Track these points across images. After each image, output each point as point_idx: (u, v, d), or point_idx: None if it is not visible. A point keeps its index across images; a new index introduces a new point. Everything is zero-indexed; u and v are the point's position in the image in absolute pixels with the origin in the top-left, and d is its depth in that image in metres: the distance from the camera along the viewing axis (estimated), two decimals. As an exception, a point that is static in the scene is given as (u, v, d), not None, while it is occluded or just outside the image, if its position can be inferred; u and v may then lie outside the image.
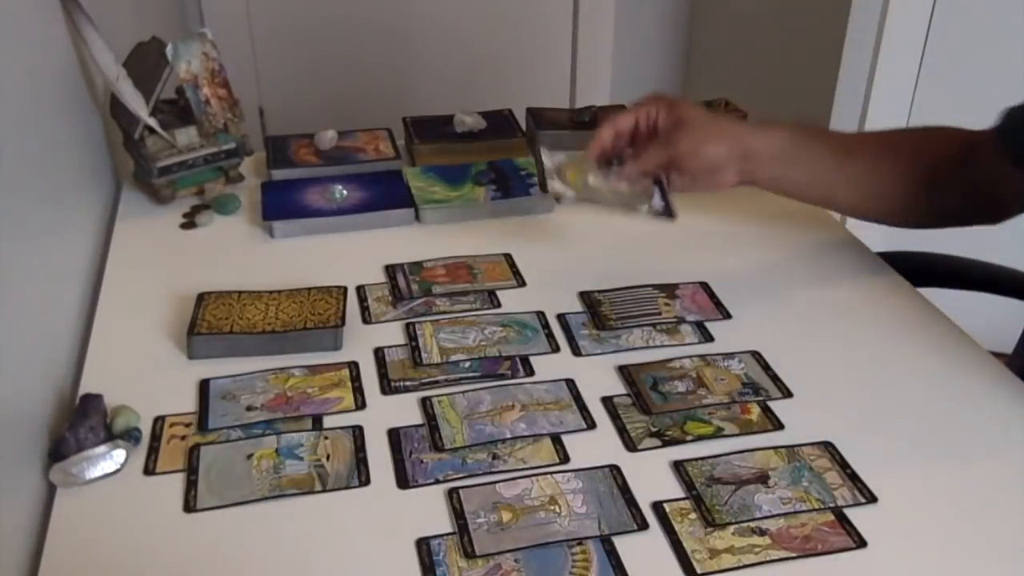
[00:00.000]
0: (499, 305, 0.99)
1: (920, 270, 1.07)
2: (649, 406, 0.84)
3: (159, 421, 0.81)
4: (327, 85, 2.47)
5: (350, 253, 1.08)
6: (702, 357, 0.91)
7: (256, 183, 1.20)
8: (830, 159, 1.00)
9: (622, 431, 0.81)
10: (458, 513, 0.72)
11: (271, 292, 0.96)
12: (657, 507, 0.73)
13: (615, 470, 0.77)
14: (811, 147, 1.00)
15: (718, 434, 0.81)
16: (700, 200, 1.20)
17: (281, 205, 1.14)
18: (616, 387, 0.87)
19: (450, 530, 0.71)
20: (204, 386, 0.86)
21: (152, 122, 1.13)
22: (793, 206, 1.20)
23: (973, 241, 1.21)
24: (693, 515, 0.73)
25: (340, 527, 0.72)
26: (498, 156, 1.26)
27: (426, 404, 0.84)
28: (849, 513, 0.73)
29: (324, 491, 0.75)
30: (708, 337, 0.94)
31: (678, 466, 0.77)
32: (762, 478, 0.76)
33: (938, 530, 0.72)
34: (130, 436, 0.78)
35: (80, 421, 0.77)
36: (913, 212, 1.03)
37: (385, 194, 1.17)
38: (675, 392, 0.86)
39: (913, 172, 1.00)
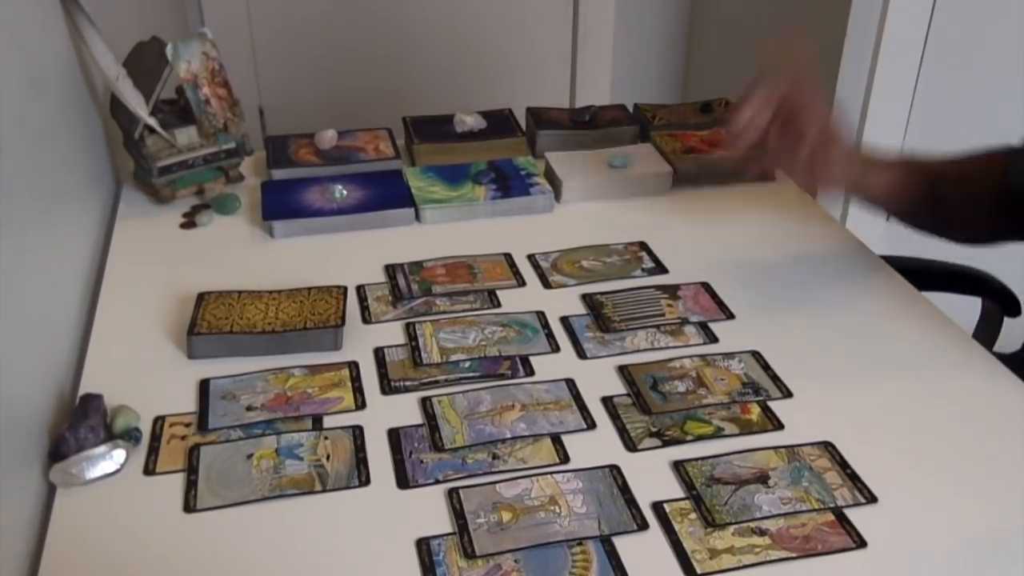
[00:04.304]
0: (499, 305, 0.99)
1: (917, 275, 1.07)
2: (649, 406, 0.84)
3: (159, 421, 0.81)
4: (327, 85, 2.47)
5: (350, 253, 1.08)
6: (702, 357, 0.91)
7: (256, 183, 1.20)
8: (923, 198, 1.01)
9: (622, 431, 0.81)
10: (458, 513, 0.72)
11: (271, 292, 0.96)
12: (657, 507, 0.73)
13: (615, 470, 0.77)
14: (910, 191, 1.00)
15: (718, 434, 0.81)
16: (700, 200, 1.20)
17: (281, 205, 1.13)
18: (616, 387, 0.87)
19: (450, 530, 0.71)
20: (204, 386, 0.86)
21: (152, 122, 1.13)
22: (794, 206, 1.21)
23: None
24: (693, 515, 0.73)
25: (340, 527, 0.72)
26: (498, 156, 1.26)
27: (426, 404, 0.84)
28: (849, 513, 0.73)
29: (324, 491, 0.75)
30: (712, 338, 0.94)
31: (678, 466, 0.77)
32: (762, 478, 0.76)
33: (938, 530, 0.72)
34: (130, 436, 0.78)
35: (80, 421, 0.77)
36: (977, 235, 1.06)
37: (385, 194, 1.16)
38: (675, 392, 0.86)
39: (985, 199, 1.01)
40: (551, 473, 0.76)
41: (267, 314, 0.93)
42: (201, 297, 0.95)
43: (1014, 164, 0.98)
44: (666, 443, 0.80)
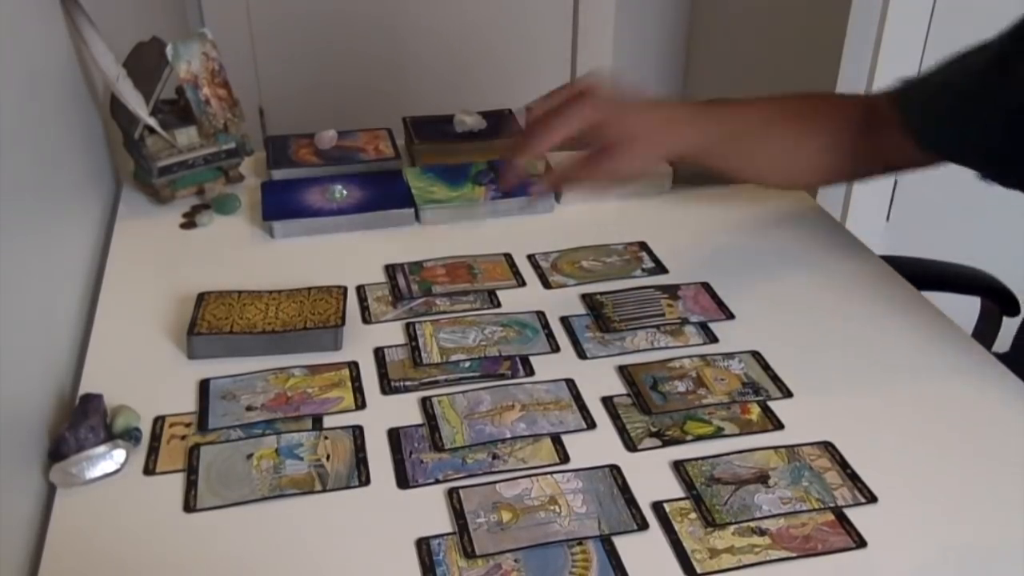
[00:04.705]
0: (499, 305, 0.99)
1: (917, 275, 1.08)
2: (649, 406, 0.84)
3: (159, 421, 0.81)
4: (327, 85, 2.47)
5: (350, 253, 1.08)
6: (702, 357, 0.91)
7: (256, 183, 1.20)
8: (757, 143, 1.00)
9: (622, 431, 0.81)
10: (458, 513, 0.72)
11: (271, 292, 0.96)
12: (657, 507, 0.73)
13: (615, 470, 0.77)
14: (737, 138, 0.98)
15: (718, 434, 0.81)
16: (700, 200, 1.20)
17: (281, 205, 1.13)
18: (616, 387, 0.87)
19: (450, 530, 0.71)
20: (204, 386, 0.86)
21: (152, 122, 1.13)
22: (794, 206, 1.21)
23: (966, 247, 1.23)
24: (693, 515, 0.73)
25: (340, 527, 0.72)
26: (498, 156, 1.26)
27: (426, 404, 0.84)
28: (849, 513, 0.73)
29: (324, 491, 0.75)
30: (712, 338, 0.94)
31: (678, 466, 0.77)
32: (762, 478, 0.76)
33: (938, 530, 0.72)
34: (130, 436, 0.78)
35: (80, 421, 0.77)
36: (818, 177, 1.09)
37: (385, 194, 1.16)
38: (675, 392, 0.86)
39: (830, 140, 1.01)
40: (551, 473, 0.76)
41: (267, 314, 0.93)
42: (201, 297, 0.95)
43: (909, 107, 0.98)
44: (666, 443, 0.80)
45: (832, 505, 0.74)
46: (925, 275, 1.14)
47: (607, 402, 0.85)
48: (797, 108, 1.02)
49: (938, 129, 0.95)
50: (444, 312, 0.97)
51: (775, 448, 0.79)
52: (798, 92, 1.04)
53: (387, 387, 0.86)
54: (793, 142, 1.01)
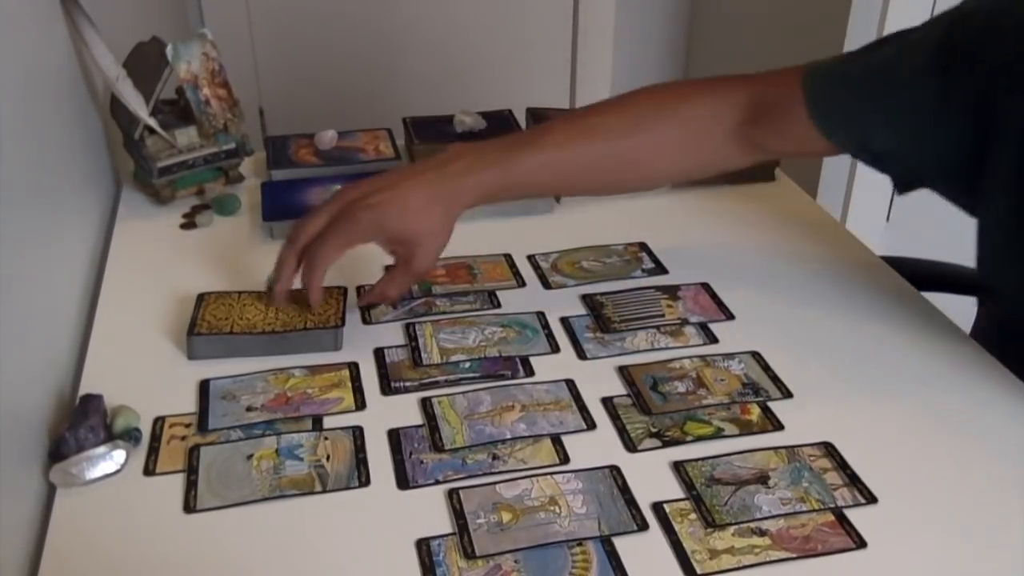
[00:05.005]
0: (499, 305, 0.99)
1: (917, 275, 1.07)
2: (649, 406, 0.84)
3: (159, 421, 0.81)
4: (327, 85, 2.47)
5: (350, 253, 1.07)
6: (702, 357, 0.91)
7: (256, 183, 1.20)
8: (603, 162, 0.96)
9: (622, 431, 0.81)
10: (458, 513, 0.72)
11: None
12: (657, 507, 0.73)
13: (615, 470, 0.77)
14: (537, 174, 0.94)
15: (718, 434, 0.81)
16: (700, 200, 1.20)
17: (281, 205, 1.13)
18: (616, 387, 0.87)
19: (450, 530, 0.71)
20: (204, 386, 0.86)
21: (152, 122, 1.13)
22: (794, 206, 1.21)
23: (966, 247, 1.22)
24: (693, 515, 0.73)
25: (340, 527, 0.72)
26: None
27: (426, 404, 0.84)
28: (849, 514, 0.73)
29: (324, 491, 0.75)
30: (712, 338, 0.94)
31: (678, 466, 0.77)
32: (762, 478, 0.76)
33: (938, 530, 0.72)
34: (130, 436, 0.78)
35: (80, 421, 0.77)
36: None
37: (385, 194, 1.16)
38: (675, 392, 0.86)
39: (677, 145, 0.98)
40: (551, 473, 0.76)
41: (267, 314, 0.93)
42: (201, 297, 0.95)
43: (815, 96, 0.92)
44: (666, 443, 0.80)
45: (832, 506, 0.74)
46: (925, 275, 1.14)
47: (607, 402, 0.85)
48: (649, 113, 0.98)
49: (848, 121, 0.91)
50: (444, 312, 0.97)
51: (775, 449, 0.79)
52: (659, 86, 1.02)
53: (387, 387, 0.86)
54: (625, 156, 0.96)
